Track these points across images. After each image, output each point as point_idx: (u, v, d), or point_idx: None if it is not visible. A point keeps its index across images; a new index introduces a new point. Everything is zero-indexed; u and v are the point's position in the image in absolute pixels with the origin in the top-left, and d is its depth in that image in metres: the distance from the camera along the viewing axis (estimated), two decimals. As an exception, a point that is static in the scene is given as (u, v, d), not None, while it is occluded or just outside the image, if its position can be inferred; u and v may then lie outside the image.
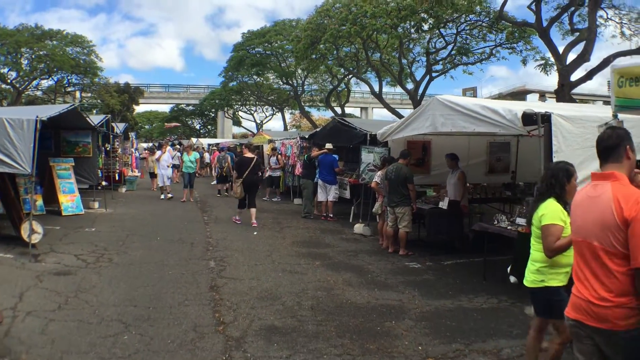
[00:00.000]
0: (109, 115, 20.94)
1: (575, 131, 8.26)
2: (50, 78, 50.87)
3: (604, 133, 3.97)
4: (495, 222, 9.85)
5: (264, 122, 68.20)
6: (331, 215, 17.29)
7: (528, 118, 8.29)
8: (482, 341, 6.93)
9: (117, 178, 24.39)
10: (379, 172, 13.17)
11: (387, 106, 33.59)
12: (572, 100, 20.33)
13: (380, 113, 78.76)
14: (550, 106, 10.26)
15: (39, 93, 52.63)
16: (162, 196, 22.03)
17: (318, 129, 23.07)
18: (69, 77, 51.74)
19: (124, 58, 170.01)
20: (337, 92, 43.69)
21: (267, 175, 22.91)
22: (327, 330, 7.09)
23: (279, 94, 53.53)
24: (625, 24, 24.27)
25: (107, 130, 19.75)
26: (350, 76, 40.20)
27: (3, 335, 6.56)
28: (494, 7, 26.67)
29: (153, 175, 25.54)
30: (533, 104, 9.76)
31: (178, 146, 33.94)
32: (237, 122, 74.95)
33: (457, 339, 6.97)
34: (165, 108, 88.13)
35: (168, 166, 22.07)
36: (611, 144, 3.85)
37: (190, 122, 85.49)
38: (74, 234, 13.37)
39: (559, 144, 8.09)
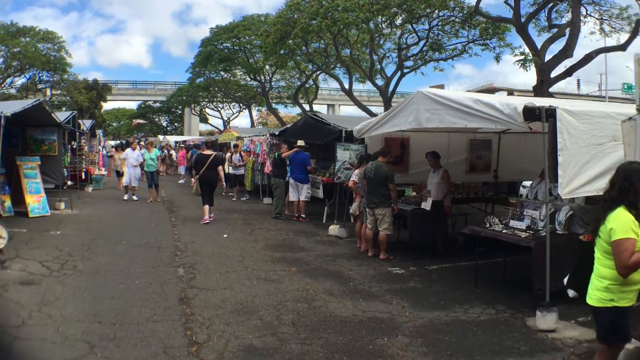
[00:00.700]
0: (75, 112, 19.80)
1: (581, 127, 7.65)
2: (23, 75, 50.20)
3: None
4: (488, 225, 9.12)
5: (231, 119, 67.18)
6: (303, 216, 16.41)
7: (529, 113, 7.61)
8: (488, 361, 6.18)
9: (83, 177, 23.25)
10: (356, 171, 12.39)
11: (357, 103, 32.88)
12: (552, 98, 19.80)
13: (347, 111, 78.11)
14: (552, 101, 9.57)
15: (13, 91, 51.23)
16: (126, 196, 20.66)
17: (288, 126, 22.17)
18: (40, 75, 50.97)
19: (93, 55, 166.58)
20: (305, 88, 42.86)
21: (229, 172, 22.02)
22: (313, 351, 6.25)
23: (247, 91, 52.46)
24: (605, 20, 23.81)
25: (74, 128, 18.73)
26: (318, 72, 39.44)
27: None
28: (468, 2, 26.08)
29: (120, 174, 24.39)
30: (532, 99, 9.06)
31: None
32: (204, 119, 73.73)
33: (460, 358, 6.21)
34: (133, 105, 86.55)
35: (135, 165, 20.70)
36: None
37: (157, 119, 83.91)
38: (40, 238, 12.40)
39: (564, 141, 7.47)
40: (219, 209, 17.96)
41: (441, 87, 74.78)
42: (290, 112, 68.37)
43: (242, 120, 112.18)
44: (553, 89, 22.20)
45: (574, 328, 7.21)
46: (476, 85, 76.77)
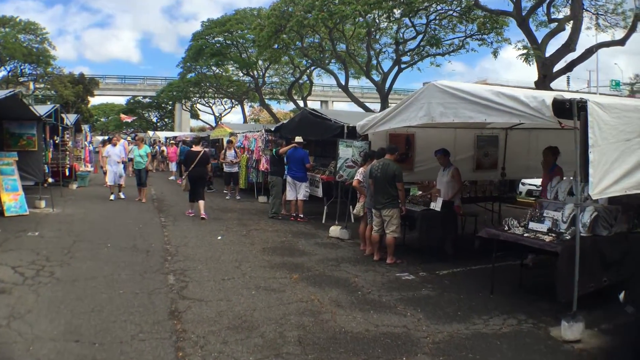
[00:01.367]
0: (58, 106, 18.92)
1: (611, 122, 6.95)
2: (4, 68, 48.83)
3: None
4: (507, 228, 8.39)
5: (222, 114, 66.19)
6: (301, 216, 15.63)
7: (558, 107, 6.92)
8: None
9: (67, 173, 22.23)
10: (361, 169, 11.65)
11: (353, 99, 32.12)
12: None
13: (340, 107, 77.30)
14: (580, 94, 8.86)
15: (-7, 84, 50.06)
16: (112, 196, 19.36)
17: (285, 121, 21.36)
18: (22, 67, 49.78)
19: (80, 50, 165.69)
20: (299, 84, 42.04)
21: (224, 170, 21.26)
22: (323, 375, 5.50)
23: (239, 86, 51.51)
24: (601, 15, 23.24)
25: (56, 122, 17.80)
26: (312, 68, 38.63)
27: None
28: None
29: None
30: (551, 93, 8.38)
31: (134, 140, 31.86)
32: (195, 115, 72.76)
33: (489, 381, 5.47)
34: (121, 100, 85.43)
35: (119, 162, 19.67)
36: None
37: (147, 114, 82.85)
38: (15, 240, 11.53)
39: (595, 137, 6.75)
40: (212, 208, 17.29)
41: (434, 83, 74.22)
42: (282, 109, 67.69)
43: (233, 117, 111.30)
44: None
45: (598, 337, 6.71)
46: (468, 82, 76.21)
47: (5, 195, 14.66)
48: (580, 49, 19.87)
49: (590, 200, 8.23)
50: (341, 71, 33.80)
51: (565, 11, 21.73)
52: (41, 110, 16.57)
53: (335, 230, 13.18)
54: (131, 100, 79.53)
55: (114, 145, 19.96)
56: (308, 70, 39.75)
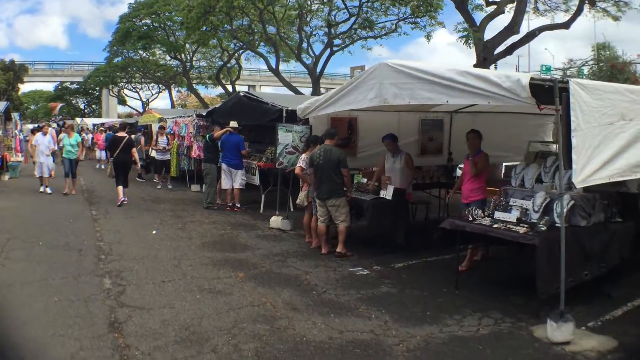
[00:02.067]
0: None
1: (593, 104, 6.31)
2: None
3: None
4: (471, 219, 7.64)
5: (150, 100, 63.68)
6: (238, 205, 14.58)
7: (535, 88, 6.20)
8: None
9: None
10: (303, 156, 10.70)
11: (284, 82, 31.06)
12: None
13: (267, 91, 76.07)
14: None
15: None
16: (42, 189, 17.37)
17: (217, 105, 20.10)
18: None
19: (11, 37, 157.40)
20: (227, 68, 40.62)
21: (154, 157, 19.90)
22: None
23: (166, 70, 49.46)
24: (540, -2, 22.86)
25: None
26: (241, 51, 37.32)
27: None
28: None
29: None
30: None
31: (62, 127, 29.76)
32: (122, 101, 70.00)
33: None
34: (50, 87, 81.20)
35: (48, 154, 17.80)
36: None
37: (75, 101, 79.27)
38: None
39: (578, 120, 6.10)
40: (143, 199, 16.10)
41: (362, 67, 73.86)
42: (210, 94, 65.85)
43: (161, 102, 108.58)
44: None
45: (589, 337, 6.05)
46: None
47: None
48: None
49: (565, 188, 7.65)
50: (271, 54, 32.66)
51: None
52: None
53: (276, 220, 12.24)
54: (59, 87, 75.76)
55: (44, 134, 18.14)
56: (237, 54, 38.40)
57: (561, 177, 6.28)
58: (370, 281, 8.18)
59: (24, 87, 69.26)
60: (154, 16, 40.24)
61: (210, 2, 26.36)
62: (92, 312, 6.56)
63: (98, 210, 14.17)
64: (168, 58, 46.16)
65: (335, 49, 30.26)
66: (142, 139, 21.88)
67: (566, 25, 18.61)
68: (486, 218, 7.60)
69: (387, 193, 9.92)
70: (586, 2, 18.87)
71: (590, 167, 6.19)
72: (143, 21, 41.40)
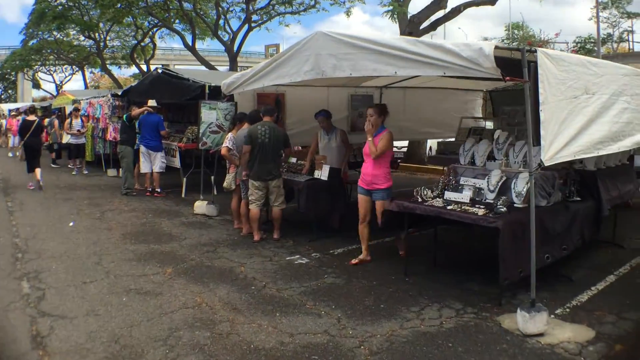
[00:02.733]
0: None
1: (559, 76, 5.67)
2: None
3: None
4: (420, 200, 6.91)
5: (64, 82, 60.17)
6: (158, 190, 13.38)
7: (499, 58, 5.50)
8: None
9: None
10: (230, 135, 9.71)
11: (201, 60, 29.56)
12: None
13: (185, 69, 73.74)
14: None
15: None
16: None
17: (133, 84, 18.68)
18: None
19: None
20: (141, 47, 38.69)
21: (68, 141, 18.27)
22: None
23: (80, 51, 46.77)
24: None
25: None
26: (156, 29, 35.53)
27: None
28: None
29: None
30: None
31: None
32: (37, 85, 66.06)
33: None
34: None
35: None
36: None
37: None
38: None
39: (546, 92, 5.42)
40: (58, 186, 14.69)
41: (277, 46, 72.44)
42: (123, 74, 63.25)
43: (75, 84, 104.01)
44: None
45: (562, 326, 5.48)
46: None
47: None
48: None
49: (520, 166, 7.12)
50: (186, 32, 31.17)
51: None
52: None
53: (200, 206, 11.22)
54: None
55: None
56: (151, 32, 36.59)
57: (530, 154, 5.57)
58: (311, 271, 7.33)
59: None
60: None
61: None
62: (14, 324, 5.46)
63: (14, 201, 12.62)
64: (82, 38, 43.62)
65: (253, 25, 29.07)
66: (56, 122, 20.18)
67: (492, 1, 18.10)
68: (438, 199, 6.89)
69: (323, 173, 9.10)
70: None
71: (557, 144, 5.56)
72: (58, 1, 38.85)
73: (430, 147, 20.48)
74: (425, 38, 13.16)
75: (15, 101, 62.22)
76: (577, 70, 5.96)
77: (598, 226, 7.63)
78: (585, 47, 39.61)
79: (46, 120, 20.71)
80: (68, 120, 18.37)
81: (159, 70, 14.15)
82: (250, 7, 27.80)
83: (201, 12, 30.04)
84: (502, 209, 6.16)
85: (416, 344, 5.06)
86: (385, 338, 5.19)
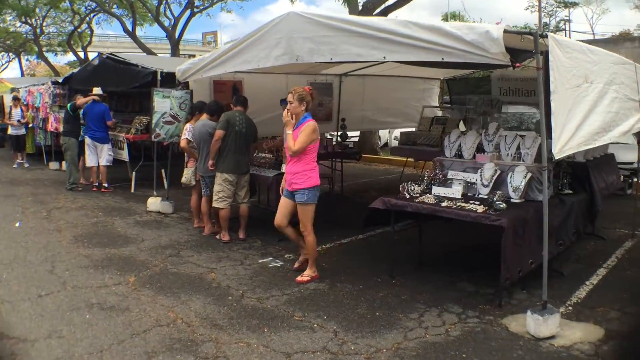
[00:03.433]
0: None
1: (566, 63, 5.19)
2: None
3: None
4: (408, 196, 6.32)
5: (0, 70, 57.50)
6: (106, 185, 12.31)
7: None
8: None
9: None
10: (189, 126, 8.88)
11: (142, 47, 28.35)
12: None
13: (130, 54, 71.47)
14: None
15: None
16: None
17: (75, 70, 17.44)
18: None
19: None
20: (78, 33, 36.98)
21: (10, 133, 16.83)
22: None
23: (16, 38, 44.52)
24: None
25: None
26: (93, 14, 33.93)
27: None
28: None
29: None
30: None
31: None
32: (-28, 75, 62.87)
33: None
34: None
35: None
36: None
37: None
38: None
39: (556, 81, 4.94)
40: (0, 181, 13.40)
41: (215, 34, 70.76)
42: (59, 62, 60.70)
43: (11, 72, 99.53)
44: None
45: (570, 326, 5.14)
46: (242, 34, 73.70)
47: None
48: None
49: (513, 158, 6.64)
50: (125, 17, 29.88)
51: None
52: None
53: (154, 202, 10.33)
54: None
55: None
56: (88, 18, 34.97)
57: (544, 145, 5.06)
58: (289, 275, 6.62)
59: None
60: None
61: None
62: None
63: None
64: (19, 24, 41.50)
65: (195, 10, 28.04)
66: None
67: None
68: (427, 195, 6.32)
69: (291, 167, 8.39)
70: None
71: (565, 135, 5.11)
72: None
73: (388, 138, 20.19)
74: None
75: (-47, 93, 59.02)
76: (578, 57, 5.52)
77: (592, 219, 7.26)
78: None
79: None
80: (8, 111, 16.99)
81: (104, 55, 13.05)
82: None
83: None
84: (502, 205, 5.64)
85: (428, 358, 4.49)
86: (393, 352, 4.59)
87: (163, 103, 9.99)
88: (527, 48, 5.19)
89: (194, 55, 25.44)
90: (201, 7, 28.58)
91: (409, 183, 6.50)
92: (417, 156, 12.30)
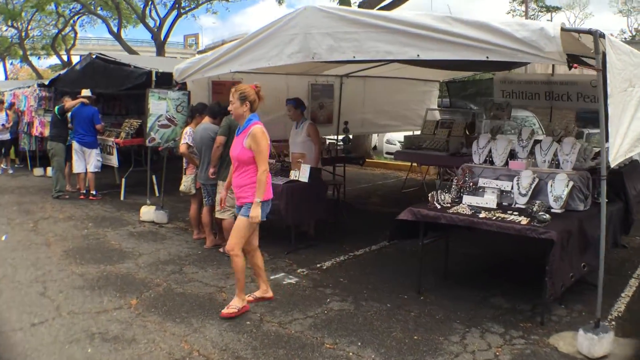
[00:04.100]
0: None
1: (618, 66, 4.75)
2: None
3: None
4: (438, 206, 5.74)
5: (-16, 74, 56.30)
6: (94, 193, 11.58)
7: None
8: None
9: None
10: (188, 129, 8.21)
11: (127, 49, 27.62)
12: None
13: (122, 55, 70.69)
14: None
15: None
16: None
17: (62, 72, 16.66)
18: None
19: None
20: (63, 36, 36.17)
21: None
22: None
23: (2, 42, 43.65)
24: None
25: None
26: (77, 17, 33.16)
27: None
28: None
29: None
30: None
31: None
32: (-43, 79, 61.51)
33: None
34: None
35: None
36: None
37: None
38: None
39: (612, 84, 4.53)
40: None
41: (196, 36, 69.92)
42: (41, 66, 59.69)
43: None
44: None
45: (620, 344, 4.77)
46: (223, 37, 72.55)
47: None
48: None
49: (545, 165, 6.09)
50: (110, 19, 29.23)
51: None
52: None
53: (148, 212, 9.62)
54: None
55: None
56: (72, 20, 34.21)
57: (603, 152, 4.52)
58: (308, 293, 6.02)
59: None
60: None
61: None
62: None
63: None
64: (5, 28, 40.69)
65: (182, 11, 27.47)
66: None
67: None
68: (461, 205, 5.74)
69: (302, 174, 7.75)
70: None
71: (618, 142, 4.67)
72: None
73: (377, 141, 19.72)
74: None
75: (-62, 96, 57.64)
76: (625, 60, 5.04)
77: (627, 230, 6.77)
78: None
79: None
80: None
81: (93, 55, 12.32)
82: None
83: (126, -1, 28.15)
84: (546, 217, 5.09)
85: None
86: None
87: (159, 105, 9.30)
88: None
89: (175, 58, 24.83)
90: (187, 9, 27.91)
91: (439, 192, 5.93)
92: (423, 160, 11.81)
